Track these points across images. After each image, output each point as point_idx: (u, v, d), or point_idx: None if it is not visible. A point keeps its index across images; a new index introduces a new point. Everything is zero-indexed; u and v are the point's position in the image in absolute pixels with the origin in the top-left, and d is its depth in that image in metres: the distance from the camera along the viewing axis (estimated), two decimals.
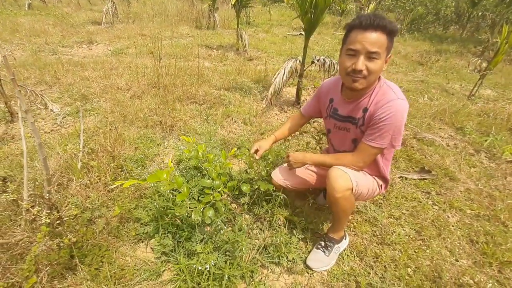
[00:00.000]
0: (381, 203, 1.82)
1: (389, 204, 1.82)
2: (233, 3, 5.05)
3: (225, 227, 1.31)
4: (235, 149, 1.57)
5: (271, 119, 2.86)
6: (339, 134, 1.41)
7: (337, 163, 1.28)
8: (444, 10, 9.37)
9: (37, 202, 1.12)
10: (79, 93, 3.00)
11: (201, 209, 1.27)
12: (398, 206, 1.81)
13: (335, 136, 1.45)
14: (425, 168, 2.16)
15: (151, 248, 1.42)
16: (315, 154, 1.40)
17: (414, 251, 1.51)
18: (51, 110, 2.70)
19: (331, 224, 1.48)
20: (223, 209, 1.35)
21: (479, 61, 4.06)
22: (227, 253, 1.30)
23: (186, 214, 1.29)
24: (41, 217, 1.08)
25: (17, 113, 2.61)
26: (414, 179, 2.11)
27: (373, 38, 1.04)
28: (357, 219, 1.68)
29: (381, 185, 1.43)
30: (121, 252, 1.36)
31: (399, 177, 2.10)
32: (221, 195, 1.39)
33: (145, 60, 4.32)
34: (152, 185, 1.57)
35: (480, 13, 9.10)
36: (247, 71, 4.12)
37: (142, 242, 1.44)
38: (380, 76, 1.20)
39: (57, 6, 9.30)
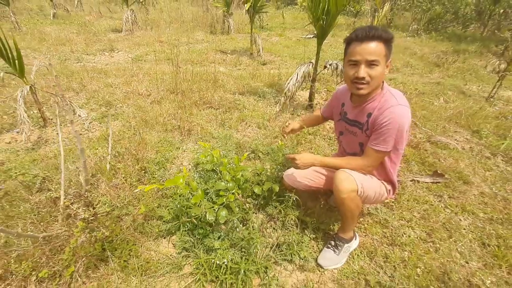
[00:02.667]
0: (393, 206, 1.86)
1: (401, 206, 1.86)
2: (247, 9, 5.18)
3: (241, 226, 1.41)
4: (246, 154, 1.68)
5: (284, 123, 2.93)
6: (348, 137, 1.49)
7: (346, 166, 1.36)
8: (464, 8, 9.10)
9: (75, 200, 1.26)
10: (104, 99, 3.20)
11: (216, 210, 1.38)
12: (410, 209, 1.85)
13: (345, 139, 1.53)
14: (438, 171, 2.18)
15: (172, 244, 1.54)
16: (324, 156, 1.47)
17: (424, 253, 1.55)
18: (79, 115, 2.91)
19: (341, 224, 1.54)
20: (237, 210, 1.44)
21: (498, 61, 3.96)
22: (243, 249, 1.39)
23: (202, 214, 1.40)
24: (80, 213, 1.21)
25: (50, 119, 2.84)
26: (427, 182, 2.12)
27: (371, 48, 1.15)
28: (368, 221, 1.73)
29: (389, 190, 1.48)
30: (146, 247, 1.48)
31: (411, 180, 2.13)
32: (235, 197, 1.49)
33: (164, 66, 4.52)
34: (173, 186, 1.69)
35: (502, 10, 8.79)
36: (261, 76, 4.22)
37: (164, 238, 1.57)
38: (384, 84, 1.29)
39: (79, 15, 9.80)
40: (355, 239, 1.56)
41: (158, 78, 3.78)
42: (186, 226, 1.52)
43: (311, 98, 3.27)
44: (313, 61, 3.06)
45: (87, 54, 5.37)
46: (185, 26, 8.00)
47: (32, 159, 2.05)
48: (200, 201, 1.28)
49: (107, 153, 1.78)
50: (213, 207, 1.35)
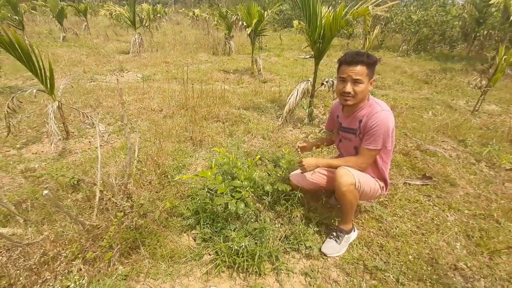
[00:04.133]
0: (386, 204, 2.08)
1: (394, 205, 2.08)
2: (248, 33, 5.62)
3: (255, 217, 1.62)
4: (258, 157, 1.93)
5: (286, 134, 3.20)
6: (345, 144, 1.76)
7: (345, 164, 1.60)
8: (450, 31, 9.74)
9: (114, 193, 1.47)
10: (119, 114, 3.47)
11: (235, 202, 1.60)
12: (402, 207, 2.07)
13: (343, 146, 1.79)
14: (427, 174, 2.42)
15: (192, 237, 1.74)
16: (325, 159, 1.71)
17: (415, 243, 1.75)
18: (99, 129, 3.16)
19: (341, 217, 1.76)
20: (252, 204, 1.67)
21: (479, 78, 4.33)
22: (256, 238, 1.60)
23: (222, 207, 1.62)
24: (117, 205, 1.43)
25: (72, 132, 3.08)
26: (417, 184, 2.36)
27: (356, 70, 1.46)
28: (364, 217, 1.95)
29: (382, 187, 1.72)
30: (170, 239, 1.68)
31: (403, 183, 2.36)
32: (249, 194, 1.72)
33: (172, 84, 4.85)
34: (192, 186, 1.92)
35: (486, 32, 9.42)
36: (262, 92, 4.55)
37: (185, 232, 1.77)
38: (369, 96, 1.61)
39: (87, 38, 10.34)
40: (354, 231, 1.77)
41: (168, 96, 4.08)
42: (205, 221, 1.73)
43: (311, 111, 3.56)
44: (311, 79, 3.38)
45: (99, 74, 5.71)
46: (188, 48, 8.48)
47: (62, 166, 2.27)
48: (223, 193, 1.50)
49: (134, 158, 2.01)
50: (232, 200, 1.58)
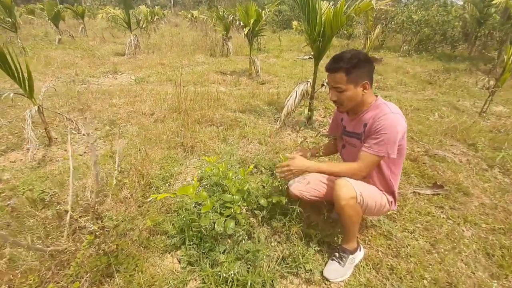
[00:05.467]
0: (395, 217, 1.87)
1: (403, 218, 1.88)
2: (245, 33, 5.43)
3: (246, 238, 1.42)
4: (252, 166, 1.71)
5: (285, 139, 3.00)
6: (349, 149, 1.57)
7: (337, 170, 1.42)
8: (451, 31, 9.57)
9: (83, 213, 1.27)
10: (108, 118, 3.28)
11: (223, 221, 1.40)
12: (412, 220, 1.86)
13: (346, 152, 1.60)
14: (438, 183, 2.21)
15: (177, 259, 1.53)
16: (315, 162, 1.51)
17: (429, 264, 1.55)
18: (84, 134, 2.97)
19: (343, 235, 1.56)
20: (243, 221, 1.46)
21: (487, 79, 4.13)
22: (249, 262, 1.39)
23: (210, 226, 1.41)
24: (87, 227, 1.23)
25: (55, 138, 2.89)
26: (427, 194, 2.15)
27: (333, 78, 1.36)
28: (371, 233, 1.74)
29: (391, 202, 1.51)
30: (151, 262, 1.48)
31: (411, 193, 2.16)
32: (241, 209, 1.51)
33: (166, 87, 4.66)
34: (178, 200, 1.72)
35: (487, 32, 9.24)
36: (260, 94, 4.36)
37: (169, 253, 1.56)
38: (378, 97, 1.43)
39: (84, 40, 10.18)
40: (360, 251, 1.56)
41: (161, 98, 3.89)
42: (191, 240, 1.53)
43: (309, 115, 3.36)
44: (311, 80, 3.19)
45: (92, 76, 5.53)
46: (185, 50, 8.30)
47: (38, 176, 2.07)
48: (209, 211, 1.30)
49: (114, 168, 1.81)
50: (219, 218, 1.37)
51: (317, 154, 1.70)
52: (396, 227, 1.79)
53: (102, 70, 5.99)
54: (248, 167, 2.14)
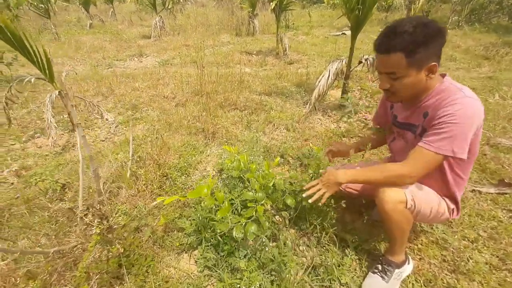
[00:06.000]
0: (451, 222, 1.55)
1: (461, 223, 1.55)
2: (272, 8, 5.02)
3: (270, 244, 1.21)
4: (278, 159, 1.47)
5: (315, 124, 2.70)
6: (399, 143, 1.27)
7: (377, 178, 1.11)
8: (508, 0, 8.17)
9: (90, 211, 1.15)
10: (130, 103, 3.20)
11: (243, 224, 1.20)
12: (473, 226, 1.53)
13: (396, 146, 1.29)
14: (505, 180, 1.81)
15: (194, 260, 1.38)
16: (352, 169, 1.21)
17: (499, 284, 1.24)
18: (106, 119, 2.91)
19: (389, 245, 1.29)
20: (267, 224, 1.25)
21: None
22: (273, 272, 1.20)
23: (228, 230, 1.23)
24: (93, 226, 1.10)
25: (79, 123, 2.86)
26: (491, 193, 1.78)
27: (386, 61, 0.99)
28: (422, 241, 1.45)
29: (452, 209, 1.20)
30: (166, 262, 1.34)
31: (471, 191, 1.80)
32: (265, 208, 1.30)
33: (189, 69, 4.49)
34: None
35: None
36: (287, 75, 4.02)
37: (185, 252, 1.42)
38: (446, 77, 1.08)
39: (113, 24, 10.30)
40: (408, 263, 1.29)
41: (184, 81, 3.73)
42: (209, 241, 1.36)
43: (344, 96, 3.00)
44: (346, 57, 2.80)
45: (118, 60, 5.52)
46: (211, 30, 8.03)
47: (57, 163, 2.03)
48: (226, 215, 1.11)
49: (128, 158, 1.68)
50: (240, 221, 1.17)
51: (364, 149, 1.37)
52: (453, 234, 1.48)
53: (128, 54, 5.96)
54: (274, 158, 1.91)
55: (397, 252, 1.23)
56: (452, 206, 1.18)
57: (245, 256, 1.28)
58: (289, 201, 1.35)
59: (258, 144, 2.22)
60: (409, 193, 1.09)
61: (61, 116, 2.84)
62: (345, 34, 7.15)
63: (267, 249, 1.20)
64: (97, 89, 3.60)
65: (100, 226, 1.05)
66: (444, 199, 1.18)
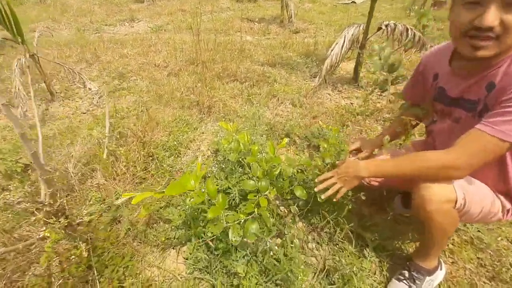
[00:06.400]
0: None
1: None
2: None
3: (276, 247, 0.98)
4: (286, 139, 1.19)
5: (324, 99, 2.40)
6: (443, 126, 0.98)
7: (417, 169, 0.84)
8: None
9: (42, 205, 0.89)
10: (117, 71, 2.85)
11: (242, 222, 0.95)
12: None
13: (439, 129, 1.00)
14: None
15: (183, 257, 1.16)
16: (376, 160, 0.93)
17: None
18: (89, 89, 2.59)
19: (420, 247, 1.06)
20: (271, 221, 1.01)
21: None
22: (278, 281, 0.97)
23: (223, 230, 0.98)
24: (49, 223, 0.85)
25: (58, 93, 2.55)
26: None
27: None
28: (453, 240, 1.22)
29: (507, 210, 0.95)
30: (148, 261, 1.12)
31: None
32: (269, 201, 1.05)
33: (184, 35, 4.06)
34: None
35: None
36: (293, 45, 3.63)
37: (173, 248, 1.19)
38: None
39: None
40: (440, 269, 1.07)
41: (178, 48, 3.35)
42: (199, 237, 1.13)
43: (356, 69, 2.67)
44: (363, 24, 2.42)
45: (107, 24, 5.03)
46: None
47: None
48: (220, 214, 0.85)
49: (104, 135, 1.41)
50: (238, 219, 0.92)
51: (408, 128, 1.00)
52: (489, 232, 1.25)
53: (119, 18, 5.45)
54: (279, 138, 1.64)
55: (430, 257, 1.01)
56: (508, 206, 0.93)
57: (243, 257, 1.05)
58: (299, 192, 1.09)
59: (261, 121, 1.93)
60: (459, 190, 0.83)
61: (37, 85, 2.51)
62: (354, 2, 6.57)
63: (271, 252, 0.97)
64: (81, 55, 3.22)
65: (54, 224, 0.80)
66: (498, 196, 0.93)
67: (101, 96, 2.46)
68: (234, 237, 0.86)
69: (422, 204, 0.85)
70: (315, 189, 1.01)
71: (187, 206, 1.15)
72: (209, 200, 0.85)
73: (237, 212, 0.98)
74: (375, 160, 0.91)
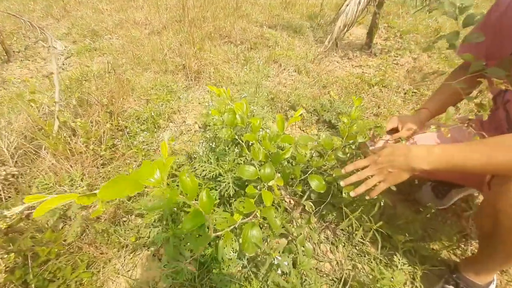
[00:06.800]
0: None
1: None
2: None
3: (286, 263, 0.70)
4: (301, 110, 0.87)
5: (333, 67, 2.06)
6: None
7: (500, 152, 0.56)
8: None
9: None
10: (89, 28, 2.41)
11: (237, 225, 0.67)
12: None
13: None
14: None
15: (158, 259, 0.89)
16: (442, 146, 0.63)
17: None
18: (54, 47, 2.18)
19: (476, 259, 0.81)
20: (278, 224, 0.73)
21: None
22: None
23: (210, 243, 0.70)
24: None
25: (16, 52, 2.13)
26: None
27: None
28: None
29: None
30: (111, 270, 0.84)
31: None
32: (275, 196, 0.77)
33: None
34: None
35: None
36: (296, 5, 3.18)
37: (147, 249, 0.92)
38: None
39: None
40: (493, 283, 0.83)
41: (162, 4, 2.87)
42: (181, 238, 0.85)
43: (371, 33, 2.29)
44: None
45: None
46: None
47: None
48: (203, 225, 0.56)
49: (52, 102, 1.07)
50: (234, 227, 0.63)
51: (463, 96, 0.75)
52: None
53: None
54: (281, 111, 1.34)
55: (489, 272, 0.76)
56: None
57: (240, 272, 0.78)
58: (316, 183, 0.80)
59: (260, 89, 1.59)
60: None
61: None
62: None
63: (279, 271, 0.70)
64: (47, 10, 2.73)
65: None
66: None
67: (68, 57, 2.06)
68: (224, 255, 0.58)
69: (505, 209, 0.58)
70: (341, 183, 0.72)
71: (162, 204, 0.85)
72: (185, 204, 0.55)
73: (231, 206, 0.69)
74: (442, 147, 0.62)
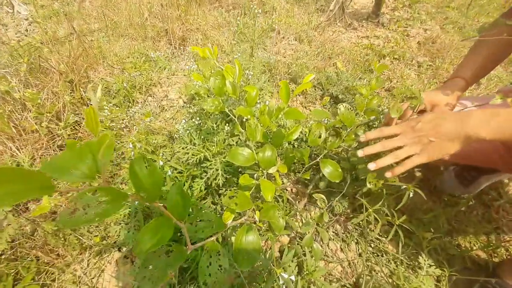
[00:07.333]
0: None
1: None
2: None
3: (292, 278, 0.53)
4: (311, 75, 0.66)
5: (337, 37, 1.83)
6: None
7: None
8: None
9: None
10: None
11: (229, 231, 0.49)
12: None
13: None
14: None
15: (131, 261, 0.72)
16: (496, 110, 0.45)
17: None
18: (18, 12, 1.89)
19: None
20: (281, 224, 0.55)
21: None
22: None
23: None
24: None
25: None
26: None
27: None
28: None
29: None
30: (69, 279, 0.67)
31: None
32: (277, 187, 0.59)
33: None
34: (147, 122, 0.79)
35: None
36: None
37: (116, 250, 0.74)
38: None
39: None
40: None
41: None
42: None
43: (379, 1, 2.05)
44: None
45: None
46: None
47: None
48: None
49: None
50: (220, 230, 0.46)
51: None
52: None
53: None
54: (302, 79, 1.15)
55: None
56: None
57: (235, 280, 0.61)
58: (330, 169, 0.62)
59: (256, 60, 1.37)
60: None
61: None
62: None
63: (284, 286, 0.53)
64: None
65: None
66: None
67: (32, 22, 1.77)
68: (208, 273, 0.40)
69: None
70: (358, 153, 0.54)
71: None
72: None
73: (220, 197, 0.51)
74: (508, 110, 0.44)
